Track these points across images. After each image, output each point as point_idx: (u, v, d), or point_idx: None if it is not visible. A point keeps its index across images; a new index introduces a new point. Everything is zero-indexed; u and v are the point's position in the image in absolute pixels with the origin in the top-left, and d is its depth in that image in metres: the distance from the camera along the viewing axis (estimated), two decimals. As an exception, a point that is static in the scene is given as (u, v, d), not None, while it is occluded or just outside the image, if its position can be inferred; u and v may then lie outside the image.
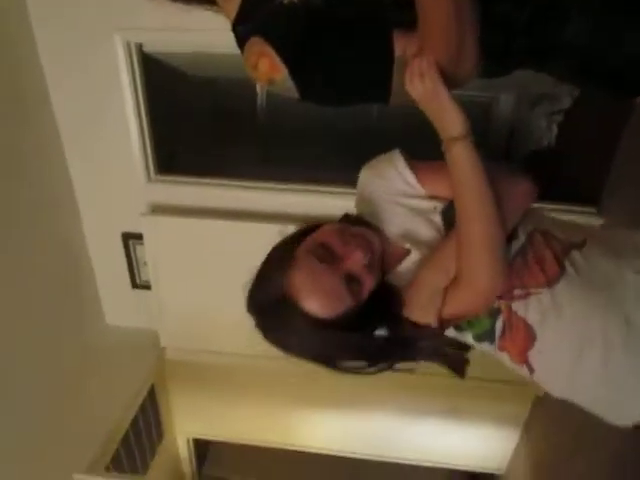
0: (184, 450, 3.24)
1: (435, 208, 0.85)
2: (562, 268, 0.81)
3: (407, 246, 0.86)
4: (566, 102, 2.78)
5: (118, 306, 2.65)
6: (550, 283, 0.80)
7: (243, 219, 2.20)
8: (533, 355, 0.85)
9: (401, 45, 0.74)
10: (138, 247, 2.41)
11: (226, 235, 2.23)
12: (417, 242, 0.85)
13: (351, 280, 0.80)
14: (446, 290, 0.80)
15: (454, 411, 2.71)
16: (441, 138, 0.76)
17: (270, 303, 0.84)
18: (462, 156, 0.75)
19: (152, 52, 2.06)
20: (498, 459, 2.85)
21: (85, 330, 2.55)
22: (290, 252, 0.83)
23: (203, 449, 3.52)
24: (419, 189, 0.87)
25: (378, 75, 0.75)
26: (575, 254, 0.82)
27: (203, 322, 2.49)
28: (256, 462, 3.48)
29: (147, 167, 2.22)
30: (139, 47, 2.00)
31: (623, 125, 2.00)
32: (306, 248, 0.82)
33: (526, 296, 0.81)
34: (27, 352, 2.06)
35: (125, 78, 2.00)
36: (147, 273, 2.43)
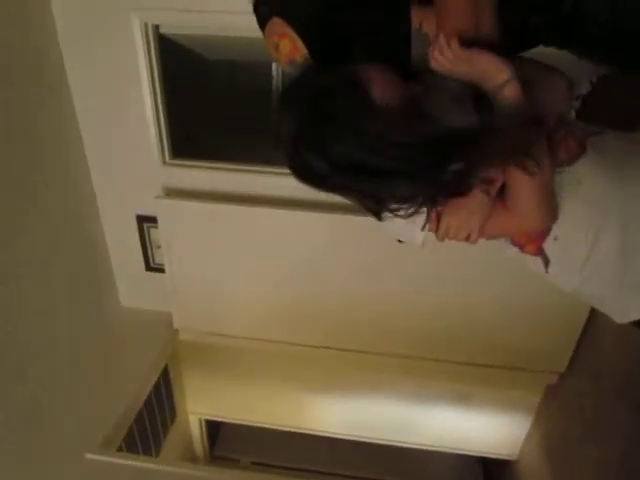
0: (196, 431, 3.29)
1: None
2: (583, 148, 0.83)
3: None
4: (584, 88, 2.73)
5: (132, 288, 2.68)
6: (571, 161, 0.82)
7: (257, 204, 2.20)
8: (549, 244, 0.85)
9: (417, 18, 0.76)
10: (152, 230, 2.43)
11: (240, 219, 2.23)
12: None
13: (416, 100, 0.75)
14: (495, 205, 0.80)
15: (466, 397, 2.72)
16: (489, 92, 0.75)
17: (331, 87, 0.73)
18: (511, 100, 0.74)
19: (169, 34, 2.04)
20: (510, 445, 2.86)
21: (100, 311, 2.58)
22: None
23: (215, 430, 3.57)
24: None
25: (397, 48, 0.76)
26: (595, 138, 0.84)
27: (216, 305, 2.52)
28: (266, 444, 3.53)
29: (162, 150, 2.23)
30: (156, 28, 1.99)
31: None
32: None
33: None
34: (42, 330, 2.09)
35: (142, 59, 1.99)
36: (161, 256, 2.45)
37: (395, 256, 2.16)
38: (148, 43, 1.98)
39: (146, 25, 1.94)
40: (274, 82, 2.51)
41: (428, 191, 0.76)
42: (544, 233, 0.83)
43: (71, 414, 2.07)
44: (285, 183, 2.16)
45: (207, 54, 2.49)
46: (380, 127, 0.70)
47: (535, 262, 0.89)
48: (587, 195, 0.81)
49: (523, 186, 0.77)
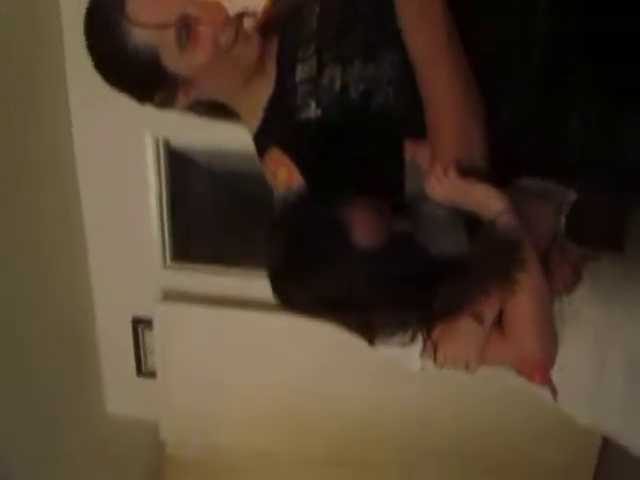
0: None
1: None
2: (579, 276, 0.82)
3: None
4: (573, 194, 2.85)
5: (120, 393, 2.57)
6: (568, 290, 0.81)
7: (257, 309, 2.20)
8: (555, 374, 0.81)
9: (410, 150, 0.80)
10: (147, 333, 2.39)
11: (239, 324, 2.21)
12: None
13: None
14: (492, 333, 0.79)
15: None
16: (483, 220, 0.78)
17: (314, 226, 0.76)
18: (506, 231, 0.76)
19: (179, 146, 2.19)
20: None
21: (83, 416, 2.45)
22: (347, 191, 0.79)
23: None
24: None
25: (391, 180, 0.80)
26: (592, 265, 0.84)
27: (208, 416, 2.40)
28: None
29: (164, 253, 2.27)
30: (167, 142, 2.13)
31: (628, 214, 2.02)
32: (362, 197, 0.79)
33: None
34: (24, 430, 1.97)
35: (151, 169, 2.12)
36: (154, 361, 2.39)
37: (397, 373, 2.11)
38: (158, 155, 2.11)
39: (157, 139, 2.09)
40: (275, 193, 2.63)
41: (418, 321, 0.77)
42: (549, 363, 0.81)
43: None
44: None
45: (213, 165, 2.64)
46: (362, 267, 0.73)
47: (544, 391, 0.86)
48: (588, 324, 0.81)
49: (520, 312, 0.77)
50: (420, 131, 0.78)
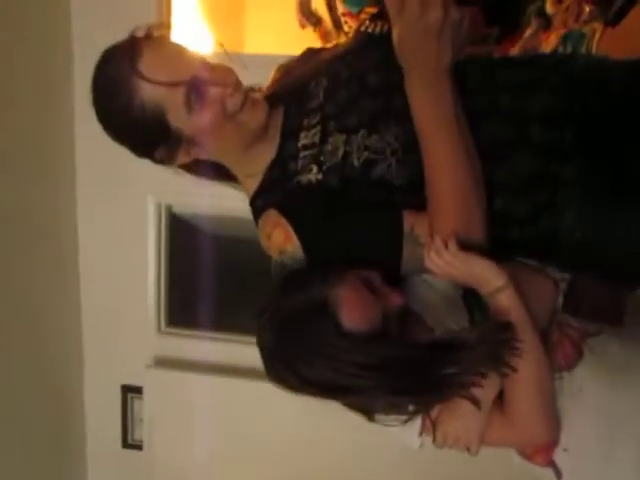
0: None
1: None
2: (580, 352, 0.80)
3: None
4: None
5: (104, 468, 2.44)
6: (569, 367, 0.79)
7: (251, 377, 2.14)
8: (559, 456, 0.78)
9: (409, 222, 0.79)
10: (136, 402, 2.31)
11: (232, 393, 2.15)
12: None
13: (389, 319, 0.76)
14: (494, 414, 0.76)
15: None
16: (483, 295, 0.78)
17: (301, 311, 0.75)
18: (506, 308, 0.75)
19: (181, 213, 2.22)
20: None
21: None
22: (335, 269, 0.78)
23: None
24: None
25: (388, 253, 0.81)
26: (592, 340, 0.82)
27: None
28: None
29: (159, 318, 2.25)
30: (169, 207, 2.17)
31: (627, 294, 2.01)
32: (352, 273, 0.78)
33: None
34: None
35: (152, 234, 2.15)
36: (141, 431, 2.29)
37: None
38: (160, 220, 2.14)
39: (159, 205, 2.13)
40: (273, 261, 2.64)
41: (415, 403, 0.76)
42: (552, 444, 0.78)
43: None
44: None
45: (213, 230, 2.67)
46: (350, 352, 0.72)
47: (547, 472, 0.82)
48: (592, 403, 0.78)
49: (520, 393, 0.75)
50: (420, 203, 0.79)
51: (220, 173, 0.95)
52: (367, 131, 0.80)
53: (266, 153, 0.88)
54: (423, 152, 0.77)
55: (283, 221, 0.81)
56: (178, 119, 0.78)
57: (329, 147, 0.82)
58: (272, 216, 0.83)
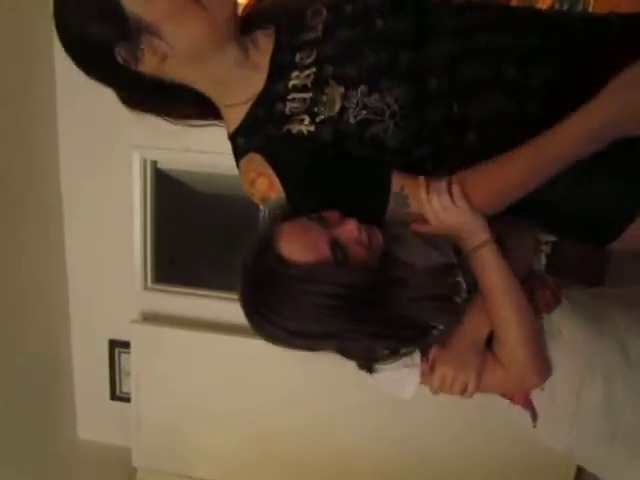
0: None
1: None
2: (559, 299, 0.84)
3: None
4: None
5: (93, 418, 2.50)
6: (548, 309, 0.82)
7: (236, 333, 2.17)
8: (535, 394, 0.82)
9: (398, 182, 0.78)
10: (124, 356, 2.34)
11: (218, 349, 2.18)
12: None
13: (337, 246, 0.74)
14: (490, 359, 0.80)
15: None
16: (464, 249, 0.79)
17: (253, 255, 0.76)
18: (489, 261, 0.77)
19: (165, 169, 2.19)
20: None
21: (53, 442, 2.36)
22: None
23: None
24: None
25: (373, 208, 0.80)
26: (568, 291, 0.87)
27: (181, 444, 2.34)
28: None
29: (145, 274, 2.25)
30: (154, 163, 2.13)
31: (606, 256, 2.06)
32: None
33: None
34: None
35: (137, 190, 2.11)
36: (129, 384, 2.33)
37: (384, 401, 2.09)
38: (145, 176, 2.11)
39: (145, 161, 2.09)
40: (261, 214, 2.64)
41: (392, 343, 0.77)
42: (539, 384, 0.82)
43: None
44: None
45: (198, 187, 2.64)
46: (303, 283, 0.71)
47: (522, 415, 0.85)
48: (569, 344, 0.82)
49: (509, 334, 0.77)
50: (409, 166, 0.79)
51: (202, 109, 0.88)
52: (368, 88, 0.76)
53: (251, 83, 0.81)
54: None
55: (268, 170, 0.79)
56: (132, 2, 0.71)
57: (324, 98, 0.77)
58: (256, 162, 0.80)
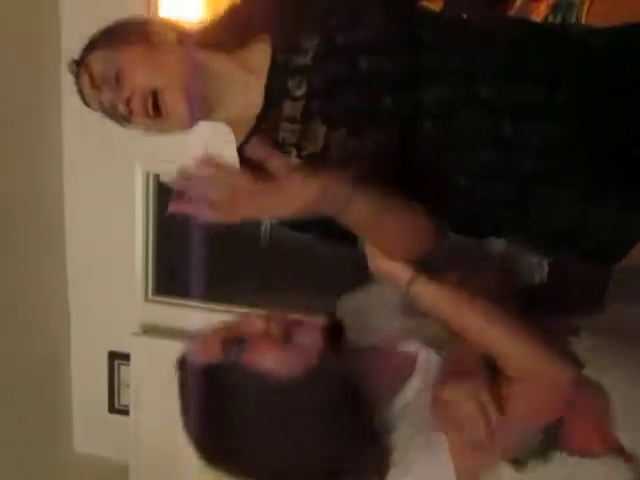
0: None
1: None
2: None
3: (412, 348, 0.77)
4: (540, 270, 2.88)
5: (90, 431, 2.48)
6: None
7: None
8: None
9: None
10: (123, 368, 2.34)
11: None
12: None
13: (233, 343, 0.66)
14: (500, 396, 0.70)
15: None
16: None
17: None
18: (427, 293, 0.76)
19: (169, 182, 2.20)
20: None
21: (51, 454, 2.35)
22: None
23: None
24: None
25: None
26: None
27: (178, 460, 2.31)
28: None
29: (146, 286, 2.25)
30: (157, 176, 2.15)
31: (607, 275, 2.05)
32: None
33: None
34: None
35: (139, 203, 2.14)
36: (128, 397, 2.32)
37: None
38: (147, 189, 2.13)
39: (147, 174, 2.11)
40: (262, 229, 2.65)
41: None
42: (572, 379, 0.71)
43: None
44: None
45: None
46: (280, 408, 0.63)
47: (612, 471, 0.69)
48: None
49: (504, 344, 0.72)
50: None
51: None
52: (347, 131, 0.78)
53: (251, 89, 0.84)
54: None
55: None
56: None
57: (310, 134, 0.80)
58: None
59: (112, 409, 2.41)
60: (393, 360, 0.76)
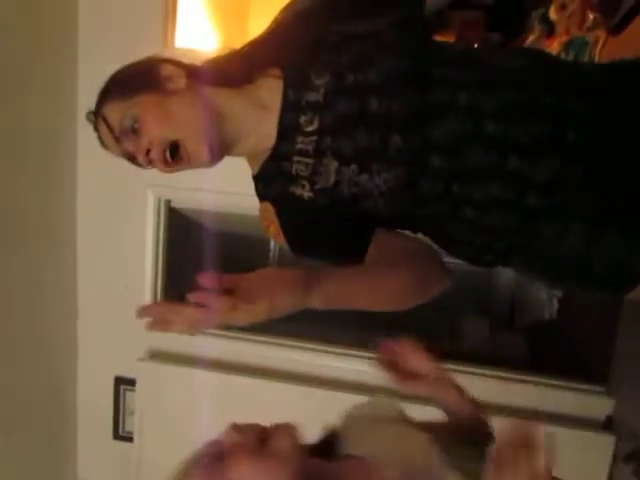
0: None
1: None
2: None
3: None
4: (550, 307, 2.85)
5: (94, 458, 2.45)
6: None
7: (244, 374, 2.15)
8: None
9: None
10: (129, 394, 2.32)
11: (224, 389, 2.15)
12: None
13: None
14: None
15: None
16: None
17: None
18: (322, 300, 0.73)
19: (180, 208, 2.23)
20: None
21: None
22: None
23: None
24: None
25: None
26: None
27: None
28: None
29: (154, 312, 2.25)
30: (168, 202, 2.18)
31: (621, 301, 2.03)
32: None
33: None
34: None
35: (150, 227, 2.16)
36: (132, 424, 2.30)
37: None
38: (159, 214, 2.16)
39: (159, 199, 2.14)
40: (271, 253, 2.66)
41: None
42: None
43: None
44: (277, 354, 2.15)
45: (211, 225, 2.68)
46: None
47: None
48: None
49: None
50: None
51: None
52: (358, 167, 0.80)
53: (264, 124, 0.86)
54: None
55: (276, 220, 0.87)
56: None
57: (322, 169, 0.82)
58: (269, 212, 0.87)
59: (116, 435, 2.39)
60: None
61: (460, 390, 0.85)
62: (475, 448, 0.72)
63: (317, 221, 0.85)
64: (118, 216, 2.20)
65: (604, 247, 0.78)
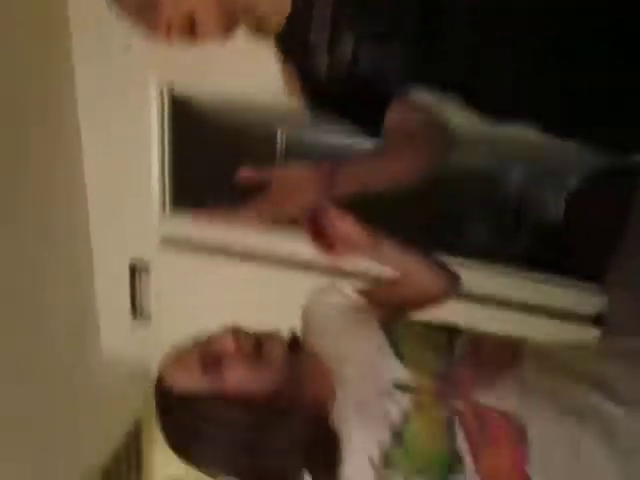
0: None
1: None
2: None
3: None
4: (571, 181, 2.83)
5: (116, 334, 2.63)
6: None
7: (255, 261, 2.22)
8: (534, 467, 0.63)
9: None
10: (144, 277, 2.43)
11: (234, 276, 2.24)
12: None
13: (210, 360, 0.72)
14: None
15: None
16: None
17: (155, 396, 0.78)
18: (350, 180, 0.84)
19: (182, 94, 2.17)
20: None
21: (80, 356, 2.52)
22: None
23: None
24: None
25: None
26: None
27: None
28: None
29: (164, 199, 2.29)
30: (170, 89, 2.11)
31: (629, 204, 2.03)
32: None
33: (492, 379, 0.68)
34: (16, 366, 2.02)
35: (154, 116, 2.12)
36: (150, 305, 2.43)
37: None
38: (162, 102, 2.11)
39: (162, 86, 2.08)
40: (278, 146, 2.63)
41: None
42: (520, 450, 0.65)
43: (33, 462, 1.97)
44: (286, 243, 2.19)
45: (217, 114, 2.62)
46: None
47: None
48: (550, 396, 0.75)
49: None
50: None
51: None
52: (376, 37, 0.83)
53: (280, 4, 0.89)
54: None
55: (297, 83, 0.93)
56: None
57: (340, 47, 0.84)
58: (291, 73, 0.94)
59: (135, 315, 2.54)
60: None
61: (400, 257, 0.90)
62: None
63: (337, 82, 0.88)
64: (120, 105, 2.14)
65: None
